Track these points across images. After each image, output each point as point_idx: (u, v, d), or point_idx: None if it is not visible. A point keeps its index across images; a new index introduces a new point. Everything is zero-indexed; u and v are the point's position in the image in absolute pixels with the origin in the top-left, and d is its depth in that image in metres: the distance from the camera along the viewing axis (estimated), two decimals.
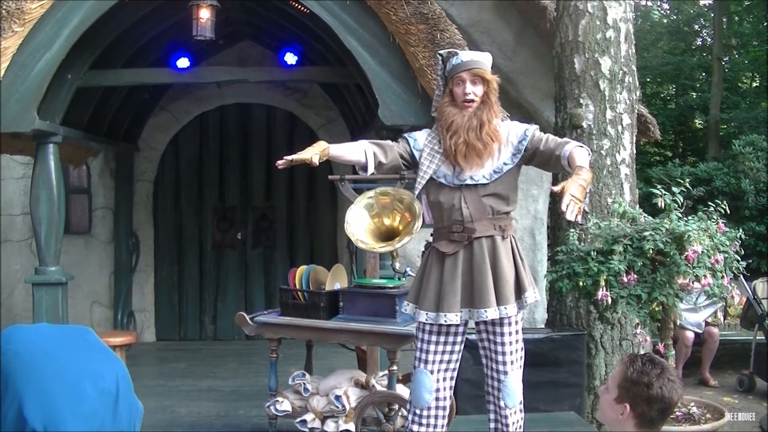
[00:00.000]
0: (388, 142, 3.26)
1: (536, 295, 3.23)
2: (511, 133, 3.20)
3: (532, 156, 3.18)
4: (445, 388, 3.20)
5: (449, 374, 3.22)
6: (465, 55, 3.18)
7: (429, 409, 3.17)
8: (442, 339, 3.17)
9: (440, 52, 3.28)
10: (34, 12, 4.79)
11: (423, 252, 3.40)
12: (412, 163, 3.28)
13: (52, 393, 1.22)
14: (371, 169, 3.16)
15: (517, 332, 3.19)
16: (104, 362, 1.32)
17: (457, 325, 3.17)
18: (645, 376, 2.10)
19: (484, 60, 3.21)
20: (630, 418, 2.12)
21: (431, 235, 3.35)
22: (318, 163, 3.02)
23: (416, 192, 3.27)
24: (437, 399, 3.18)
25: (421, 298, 3.20)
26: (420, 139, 3.26)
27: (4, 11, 4.69)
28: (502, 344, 3.16)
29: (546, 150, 3.13)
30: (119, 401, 1.29)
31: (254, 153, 8.05)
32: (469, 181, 3.14)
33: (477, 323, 3.19)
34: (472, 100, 3.12)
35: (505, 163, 3.17)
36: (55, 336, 1.31)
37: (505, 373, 3.15)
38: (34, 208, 5.21)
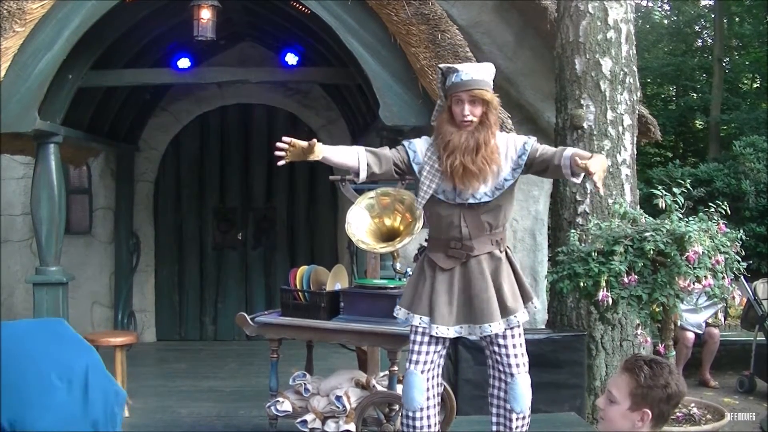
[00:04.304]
0: (385, 151, 3.19)
1: (536, 304, 3.28)
2: (509, 147, 3.17)
3: (529, 166, 3.17)
4: (434, 386, 3.23)
5: (437, 371, 3.24)
6: (465, 74, 3.09)
7: (422, 410, 3.18)
8: (434, 340, 3.20)
9: (440, 66, 3.26)
10: (35, 12, 4.79)
11: (416, 255, 3.41)
12: (407, 173, 3.25)
13: (20, 388, 1.23)
14: (362, 177, 3.11)
15: (520, 335, 3.22)
16: (73, 352, 1.33)
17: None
18: (660, 378, 2.10)
19: (485, 75, 3.13)
20: (648, 420, 2.11)
21: (426, 240, 3.35)
22: (307, 146, 2.96)
23: (416, 208, 3.27)
24: (428, 398, 3.19)
25: (414, 305, 3.23)
26: (420, 151, 3.21)
27: (5, 11, 4.69)
28: (506, 350, 3.18)
29: (544, 159, 3.12)
30: (89, 390, 1.29)
31: (255, 153, 8.05)
32: (471, 200, 3.14)
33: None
34: (471, 121, 3.09)
35: (506, 179, 3.16)
36: (26, 331, 1.32)
37: (512, 375, 3.16)
38: (34, 209, 5.21)
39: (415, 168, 3.20)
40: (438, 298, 3.15)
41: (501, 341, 3.17)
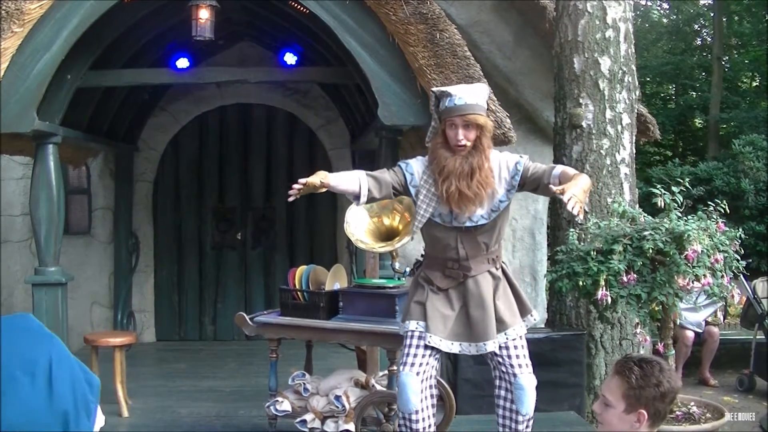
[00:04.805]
0: (385, 176, 3.20)
1: (535, 316, 3.33)
2: (502, 168, 3.19)
3: (522, 185, 3.20)
4: (429, 387, 3.21)
5: (432, 372, 3.24)
6: (458, 98, 3.09)
7: (417, 412, 3.16)
8: (429, 346, 3.20)
9: (433, 89, 3.27)
10: (34, 12, 4.78)
11: (412, 270, 3.43)
12: (404, 195, 3.28)
13: None
14: (362, 202, 3.15)
15: (521, 337, 3.25)
16: (37, 346, 1.33)
17: None
18: (651, 378, 2.10)
19: (478, 99, 3.13)
20: (645, 421, 2.11)
21: (421, 256, 3.38)
22: (319, 183, 3.00)
23: (413, 233, 3.30)
24: (422, 400, 3.17)
25: (410, 313, 3.27)
26: (417, 173, 3.22)
27: (3, 12, 4.68)
28: (508, 351, 3.19)
29: (535, 178, 3.15)
30: (54, 382, 1.29)
31: (254, 153, 8.04)
32: (468, 223, 3.17)
33: None
34: (464, 146, 3.10)
35: (501, 201, 3.19)
36: None
37: (515, 375, 3.16)
38: (33, 209, 5.20)
39: (412, 191, 3.22)
40: (434, 311, 3.19)
41: (505, 354, 3.19)
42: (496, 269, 3.26)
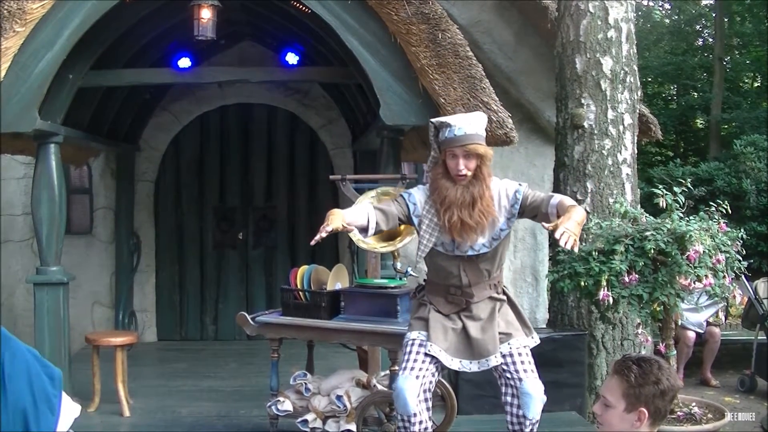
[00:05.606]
0: (392, 208, 3.23)
1: (536, 339, 3.34)
2: (502, 197, 3.21)
3: (521, 213, 3.22)
4: (426, 390, 3.20)
5: (431, 378, 3.23)
6: (458, 129, 3.12)
7: (415, 416, 3.16)
8: (430, 354, 3.20)
9: (432, 120, 3.28)
10: (36, 12, 4.78)
11: (414, 293, 3.44)
12: (407, 223, 3.32)
13: None
14: (370, 234, 3.20)
15: (525, 347, 3.26)
16: None
17: None
18: (650, 376, 2.10)
19: (477, 128, 3.16)
20: (645, 419, 2.11)
21: (424, 280, 3.41)
22: (342, 227, 3.00)
23: (417, 262, 3.33)
24: (420, 402, 3.15)
25: (412, 327, 3.30)
26: (419, 202, 3.25)
27: (5, 11, 4.69)
28: (512, 358, 3.20)
29: (534, 206, 3.16)
30: (7, 379, 1.29)
31: (255, 153, 8.04)
32: (470, 252, 3.20)
33: None
34: (465, 175, 3.13)
35: (501, 229, 3.21)
36: None
37: (520, 379, 3.16)
38: (35, 209, 5.21)
39: (415, 221, 3.25)
40: (436, 323, 3.22)
41: (510, 362, 3.19)
42: (498, 293, 3.30)
